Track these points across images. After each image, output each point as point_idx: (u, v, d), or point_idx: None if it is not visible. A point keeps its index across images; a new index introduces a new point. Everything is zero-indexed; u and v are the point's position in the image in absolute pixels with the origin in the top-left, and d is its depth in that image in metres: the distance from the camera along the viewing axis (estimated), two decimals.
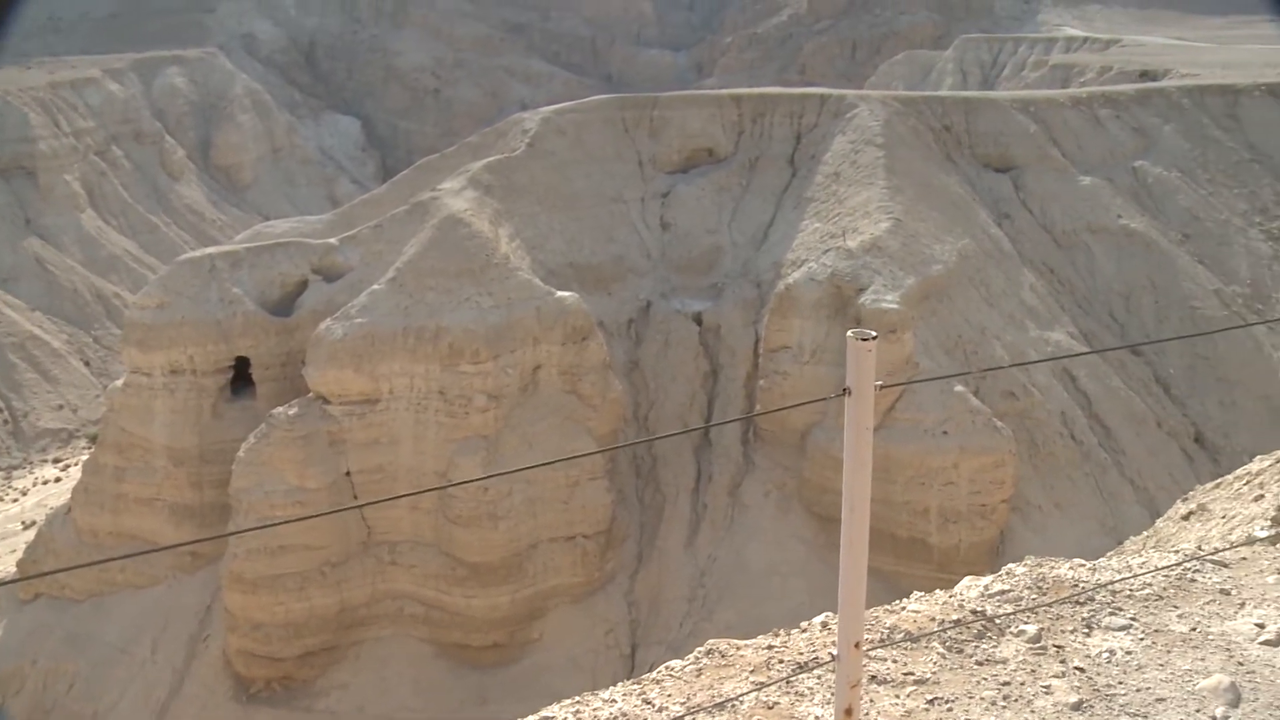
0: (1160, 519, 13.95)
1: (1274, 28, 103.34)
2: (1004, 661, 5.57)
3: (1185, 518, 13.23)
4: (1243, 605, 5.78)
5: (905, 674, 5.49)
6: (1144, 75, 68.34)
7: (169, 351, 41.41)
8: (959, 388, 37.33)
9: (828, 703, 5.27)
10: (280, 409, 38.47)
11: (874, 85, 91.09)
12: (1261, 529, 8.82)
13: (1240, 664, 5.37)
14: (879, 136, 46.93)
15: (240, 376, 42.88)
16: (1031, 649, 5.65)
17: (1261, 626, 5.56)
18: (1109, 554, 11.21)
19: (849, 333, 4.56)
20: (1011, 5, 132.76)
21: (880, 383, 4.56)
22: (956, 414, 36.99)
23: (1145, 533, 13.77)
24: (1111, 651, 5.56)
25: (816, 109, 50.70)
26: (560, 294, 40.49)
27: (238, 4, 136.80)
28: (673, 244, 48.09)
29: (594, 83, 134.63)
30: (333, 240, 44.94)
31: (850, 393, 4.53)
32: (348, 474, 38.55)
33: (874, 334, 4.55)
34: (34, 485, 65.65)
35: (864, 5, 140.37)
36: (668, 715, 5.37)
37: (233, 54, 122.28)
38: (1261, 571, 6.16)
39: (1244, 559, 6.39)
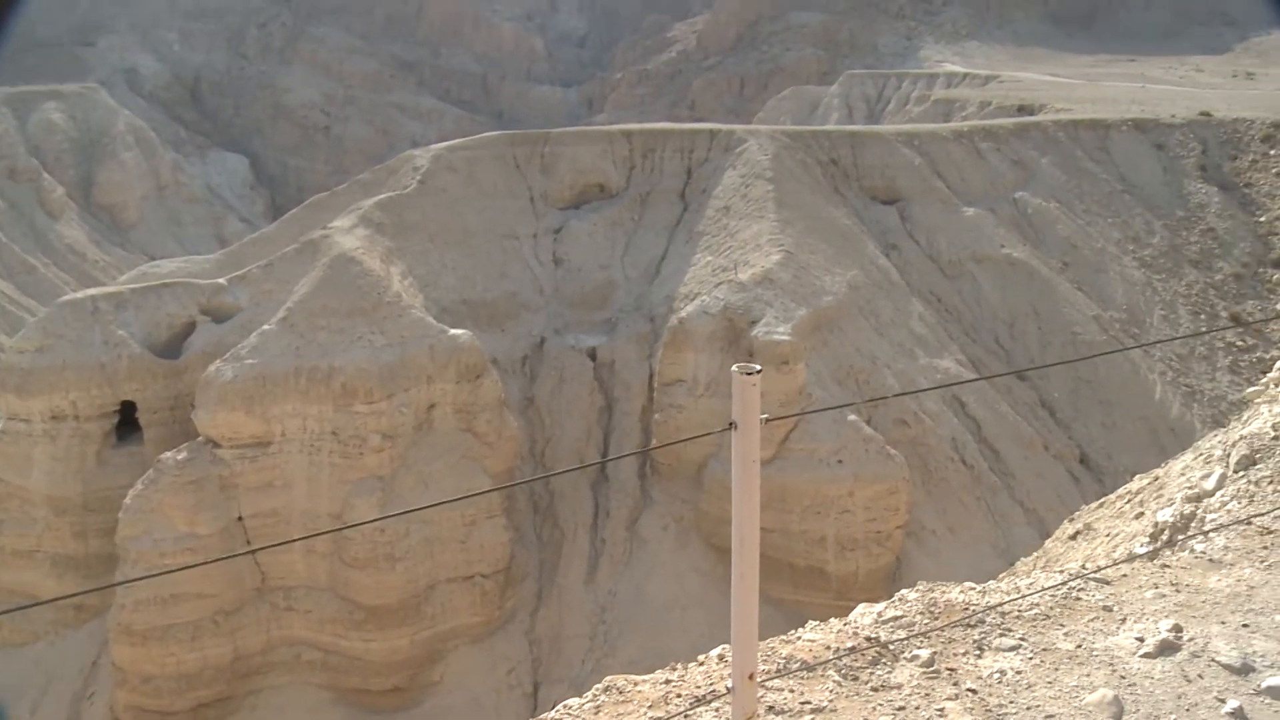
0: (1049, 539, 14.29)
1: (1136, 66, 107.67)
2: (899, 687, 5.62)
3: (1072, 537, 13.56)
4: (1124, 620, 5.93)
5: (802, 703, 5.50)
6: (1021, 110, 70.53)
7: (50, 397, 40.09)
8: (852, 417, 37.86)
9: None
10: (169, 454, 37.41)
11: (762, 120, 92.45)
12: (1141, 545, 9.07)
13: (1123, 678, 5.50)
14: (768, 170, 47.63)
15: (126, 421, 41.66)
16: (925, 673, 5.71)
17: (1142, 640, 5.70)
18: (1000, 576, 11.42)
19: (734, 368, 4.60)
20: (894, 42, 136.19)
21: (766, 416, 4.60)
22: (850, 443, 37.49)
23: (1035, 553, 14.07)
24: (1002, 672, 5.65)
25: (706, 144, 51.33)
26: (454, 332, 40.18)
27: (119, 39, 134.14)
28: (566, 280, 48.13)
29: (485, 119, 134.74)
30: (221, 280, 44.05)
31: (736, 427, 4.56)
32: (240, 519, 37.61)
33: (758, 369, 4.58)
34: None
35: (752, 42, 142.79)
36: None
37: (114, 90, 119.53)
38: (1141, 587, 6.32)
39: (1125, 576, 6.56)
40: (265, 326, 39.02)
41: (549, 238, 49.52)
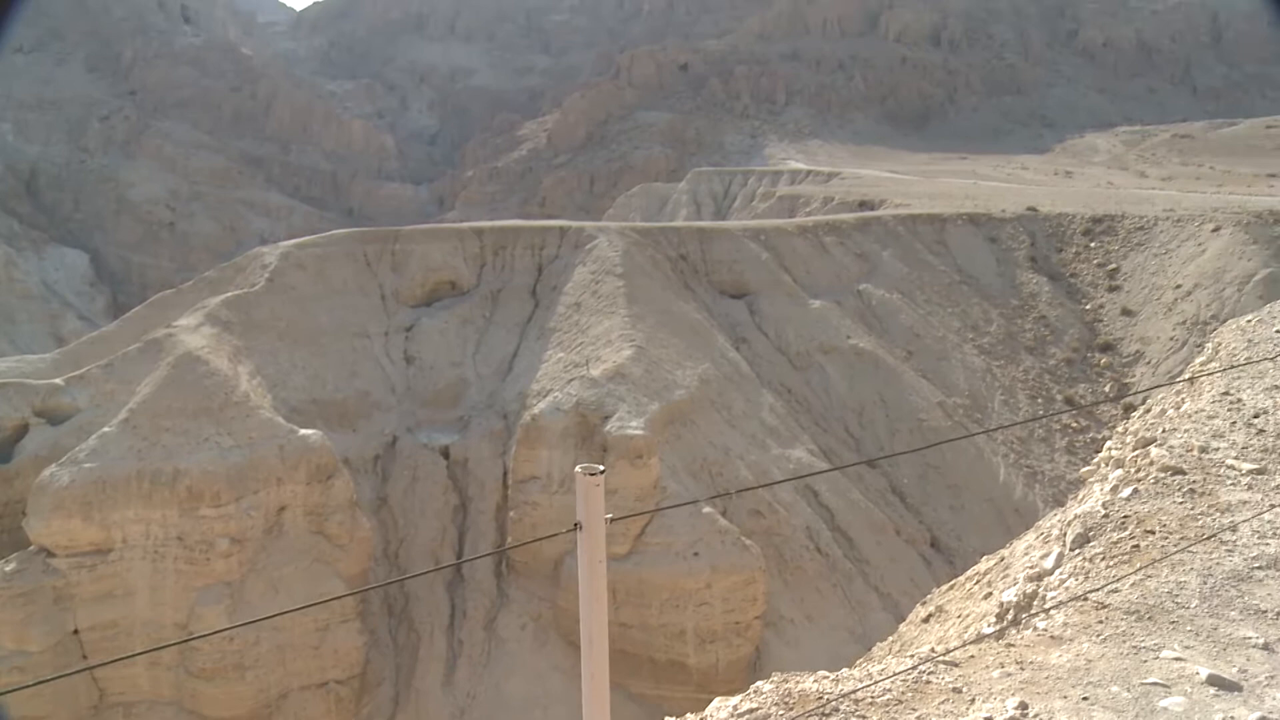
0: (903, 623, 14.48)
1: (967, 164, 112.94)
2: None
3: (925, 620, 13.77)
4: (973, 701, 6.00)
5: None
6: (863, 205, 73.10)
7: None
8: (707, 509, 38.02)
9: None
10: None
11: (612, 217, 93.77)
12: (989, 626, 9.25)
13: None
14: (618, 266, 48.17)
15: None
16: None
17: (990, 719, 5.78)
18: (855, 662, 11.49)
19: (577, 469, 4.62)
20: (740, 140, 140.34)
21: (611, 516, 4.61)
22: (706, 535, 37.61)
23: (890, 638, 14.24)
24: None
25: (557, 240, 51.74)
26: (304, 432, 39.23)
27: None
28: (417, 378, 47.59)
29: (335, 216, 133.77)
30: (58, 380, 42.22)
31: (581, 527, 4.56)
32: (75, 632, 35.63)
33: (601, 469, 4.62)
34: None
35: (601, 140, 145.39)
36: None
37: None
38: (988, 667, 6.42)
39: (973, 657, 6.65)
40: (105, 428, 37.45)
41: (400, 336, 49.00)
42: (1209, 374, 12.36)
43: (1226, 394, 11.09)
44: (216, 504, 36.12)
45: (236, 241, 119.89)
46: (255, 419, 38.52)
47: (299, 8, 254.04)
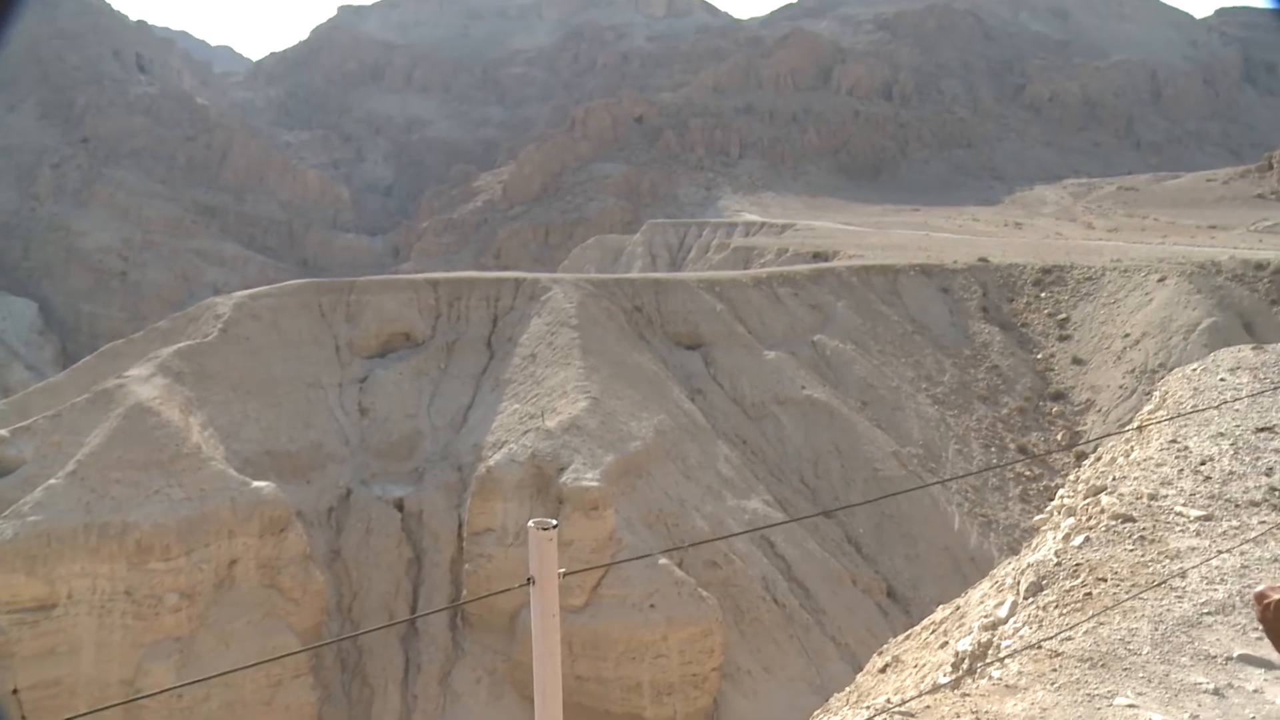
0: (860, 674, 14.45)
1: (920, 216, 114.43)
2: None
3: (882, 670, 13.74)
4: None
5: None
6: (817, 257, 73.76)
7: None
8: (663, 560, 37.88)
9: None
10: None
11: (567, 268, 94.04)
12: (945, 675, 9.25)
13: None
14: (574, 318, 48.22)
15: None
16: None
17: None
18: (813, 714, 11.44)
19: (530, 523, 4.61)
20: (694, 192, 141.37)
21: (564, 570, 4.61)
22: (662, 587, 37.43)
23: (848, 688, 14.18)
24: None
25: (512, 292, 51.74)
26: (256, 484, 38.76)
27: None
28: (372, 429, 47.24)
29: (290, 267, 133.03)
30: (3, 432, 41.48)
31: (534, 582, 4.55)
32: (15, 691, 34.70)
33: (554, 523, 4.62)
34: None
35: (556, 192, 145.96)
36: None
37: None
38: (944, 717, 6.42)
39: (928, 707, 6.65)
40: (52, 480, 36.80)
41: (354, 387, 48.68)
42: (1157, 422, 12.53)
43: (1174, 442, 11.24)
44: (166, 557, 35.54)
45: (189, 291, 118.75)
46: (207, 471, 38.05)
47: (255, 57, 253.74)
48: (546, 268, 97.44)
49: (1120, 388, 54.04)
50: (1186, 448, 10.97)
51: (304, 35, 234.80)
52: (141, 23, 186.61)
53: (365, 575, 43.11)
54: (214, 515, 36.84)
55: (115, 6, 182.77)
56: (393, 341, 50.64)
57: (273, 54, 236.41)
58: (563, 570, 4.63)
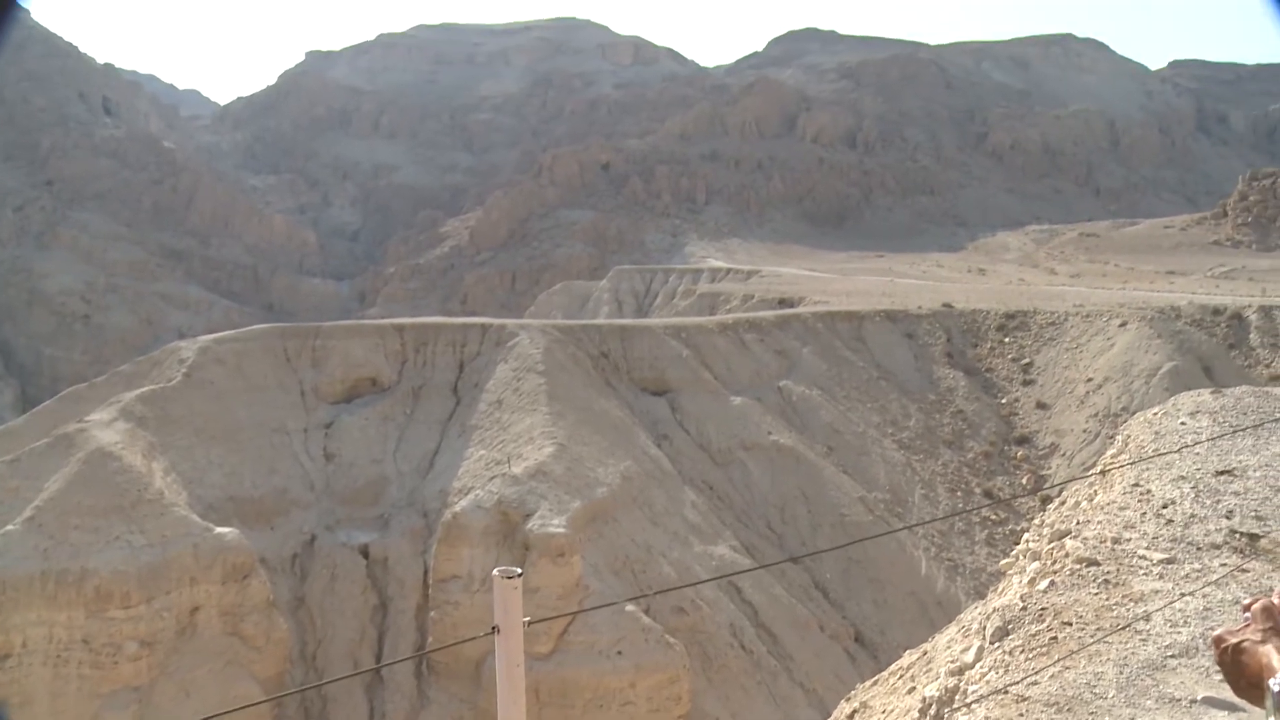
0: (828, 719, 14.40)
1: (884, 262, 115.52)
2: None
3: (850, 717, 13.71)
4: None
5: None
6: (782, 303, 74.16)
7: None
8: (630, 607, 37.67)
9: None
10: None
11: (534, 314, 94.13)
12: None
13: None
14: (540, 364, 48.19)
15: None
16: None
17: None
18: None
19: (495, 572, 4.61)
20: (661, 239, 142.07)
21: (529, 619, 4.60)
22: (629, 633, 37.21)
23: None
24: None
25: (479, 338, 51.68)
26: (219, 530, 38.32)
27: None
28: (337, 475, 46.88)
29: (255, 311, 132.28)
30: None
31: (499, 631, 4.54)
32: None
33: (519, 572, 4.62)
34: None
35: (523, 238, 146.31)
36: None
37: None
38: None
39: None
40: (9, 527, 36.18)
41: (320, 432, 48.35)
42: (1119, 467, 12.65)
43: (1137, 485, 11.34)
44: (126, 605, 35.01)
45: (154, 335, 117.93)
46: (169, 517, 37.59)
47: (223, 101, 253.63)
48: (513, 314, 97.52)
49: (1084, 431, 54.51)
50: (1149, 491, 11.08)
51: (272, 80, 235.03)
52: (109, 65, 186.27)
53: (330, 622, 42.63)
54: (176, 562, 36.35)
55: (83, 49, 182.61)
56: (359, 387, 50.39)
57: (240, 98, 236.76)
58: (528, 619, 4.62)
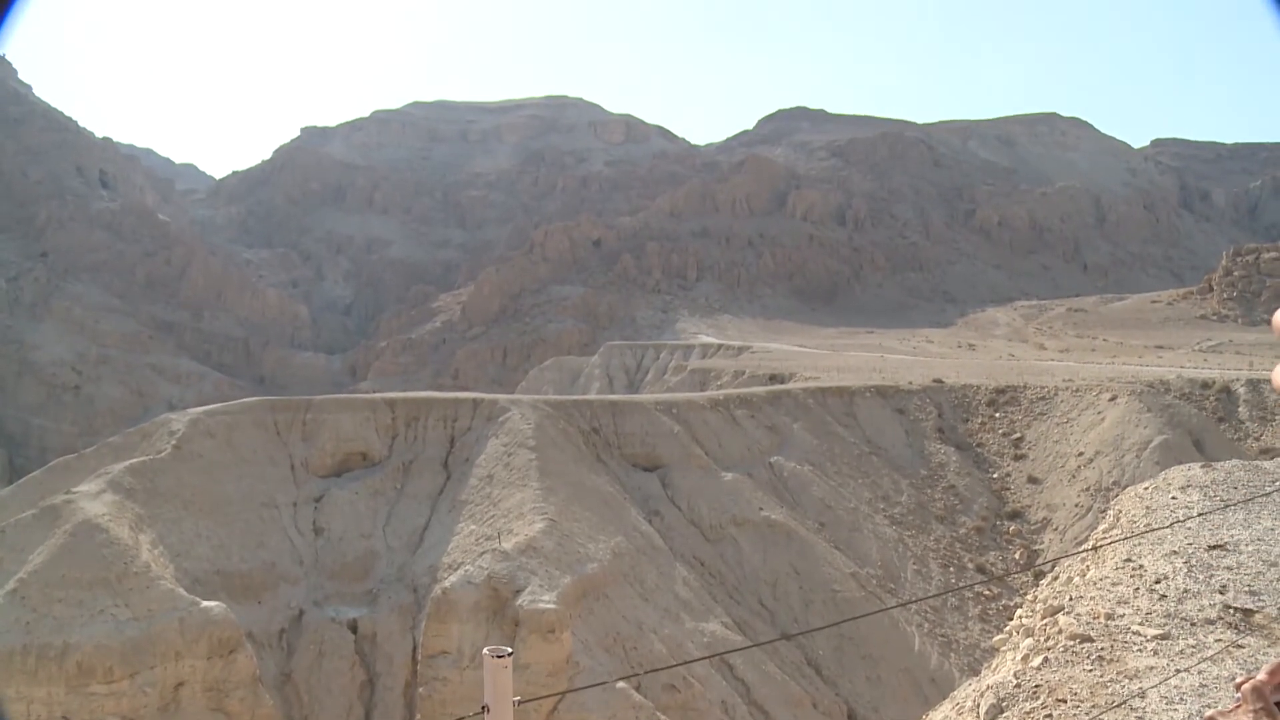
0: None
1: (874, 338, 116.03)
2: None
3: None
4: None
5: None
6: (773, 379, 74.31)
7: None
8: (621, 684, 37.26)
9: None
10: None
11: (525, 389, 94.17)
12: None
13: None
14: (531, 439, 48.13)
15: None
16: None
17: None
18: None
19: (485, 651, 4.62)
20: (652, 315, 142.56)
21: (519, 699, 4.59)
22: (620, 711, 36.74)
23: None
24: None
25: (470, 412, 51.62)
26: (206, 604, 37.88)
27: None
28: (326, 549, 46.54)
29: (246, 384, 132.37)
30: None
31: (489, 710, 4.53)
32: None
33: (509, 651, 4.64)
34: None
35: (514, 314, 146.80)
36: None
37: None
38: None
39: None
40: None
41: (309, 506, 48.08)
42: (1112, 542, 12.64)
43: (1129, 560, 11.33)
44: (109, 680, 34.48)
45: (144, 407, 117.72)
46: (155, 590, 37.19)
47: (219, 175, 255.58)
48: (504, 389, 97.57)
49: (1076, 505, 54.42)
50: (1141, 566, 11.06)
51: (267, 154, 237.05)
52: (107, 139, 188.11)
53: (317, 699, 42.05)
54: (161, 636, 35.90)
55: (82, 124, 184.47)
56: (349, 461, 50.21)
57: (236, 172, 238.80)
58: (518, 698, 4.60)
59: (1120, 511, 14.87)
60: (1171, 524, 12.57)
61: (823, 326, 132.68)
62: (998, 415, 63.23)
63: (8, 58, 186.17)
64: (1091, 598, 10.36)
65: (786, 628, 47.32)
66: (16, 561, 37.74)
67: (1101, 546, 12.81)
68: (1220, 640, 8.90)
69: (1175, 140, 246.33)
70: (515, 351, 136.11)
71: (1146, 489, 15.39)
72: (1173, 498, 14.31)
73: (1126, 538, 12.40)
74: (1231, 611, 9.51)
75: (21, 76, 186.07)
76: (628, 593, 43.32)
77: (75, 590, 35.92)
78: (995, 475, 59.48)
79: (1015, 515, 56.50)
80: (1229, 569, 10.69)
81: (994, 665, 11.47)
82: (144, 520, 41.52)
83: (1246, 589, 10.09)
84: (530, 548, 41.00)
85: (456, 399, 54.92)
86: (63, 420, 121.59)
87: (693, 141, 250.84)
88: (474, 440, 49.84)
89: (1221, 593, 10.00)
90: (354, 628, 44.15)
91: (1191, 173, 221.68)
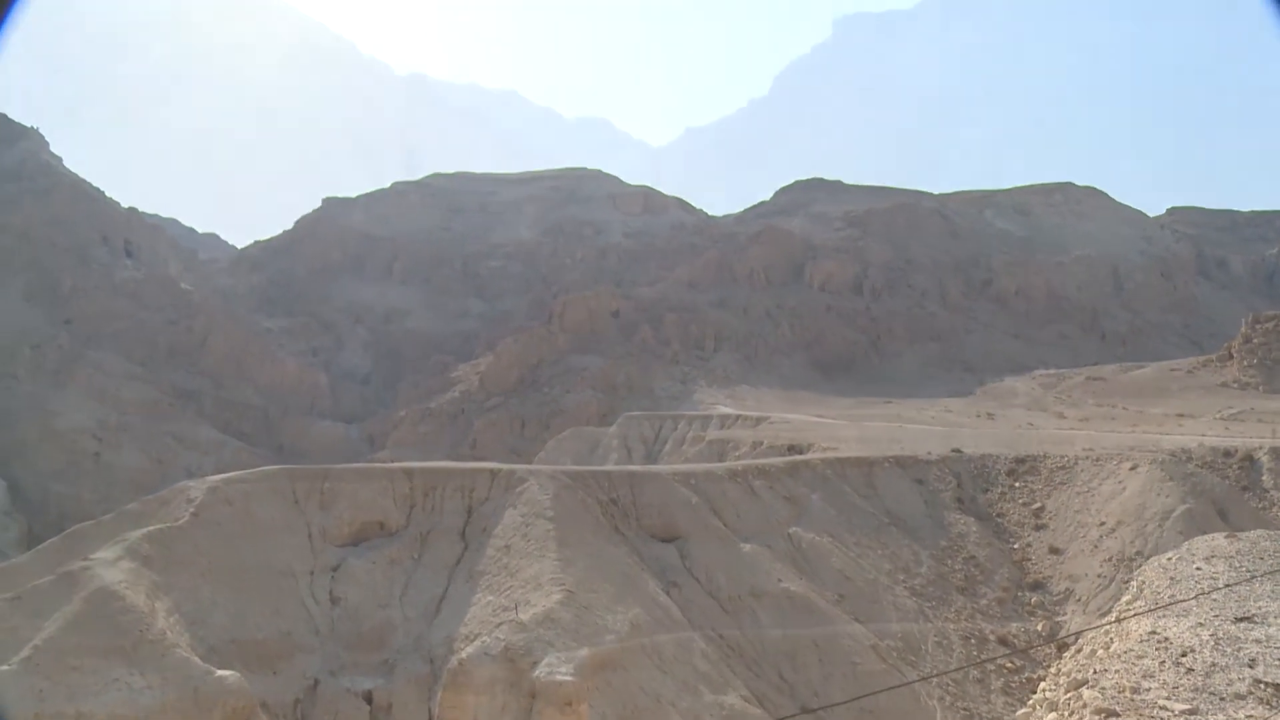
0: None
1: (893, 408, 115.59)
2: None
3: None
4: None
5: None
6: (791, 449, 74.07)
7: None
8: None
9: None
10: None
11: (543, 460, 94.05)
12: None
13: None
14: (549, 510, 48.00)
15: None
16: None
17: None
18: None
19: None
20: (670, 385, 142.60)
21: None
22: None
23: None
24: None
25: (488, 483, 51.54)
26: (221, 673, 37.66)
27: None
28: (342, 619, 46.27)
29: (265, 452, 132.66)
30: None
31: None
32: None
33: None
34: None
35: (533, 384, 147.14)
36: None
37: None
38: None
39: None
40: (3, 668, 35.60)
41: (326, 575, 47.89)
42: (1136, 614, 12.49)
43: (1154, 633, 11.17)
44: None
45: (163, 475, 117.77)
46: (170, 659, 37.00)
47: (241, 244, 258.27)
48: (522, 459, 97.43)
49: (1099, 576, 53.82)
50: (1167, 639, 10.91)
51: (289, 224, 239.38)
52: (132, 209, 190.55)
53: None
54: (174, 705, 35.64)
55: (109, 194, 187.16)
56: (366, 530, 50.10)
57: (257, 242, 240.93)
58: None
59: (1144, 582, 14.72)
60: (1196, 595, 12.43)
61: (841, 396, 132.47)
62: (1018, 485, 62.81)
63: (40, 129, 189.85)
64: (1116, 671, 10.22)
65: (806, 701, 46.68)
66: (32, 628, 37.62)
67: (1125, 618, 12.67)
68: (1252, 716, 8.75)
69: (1190, 208, 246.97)
70: (533, 422, 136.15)
71: (1170, 559, 15.25)
72: (1197, 568, 14.17)
73: (1151, 610, 12.25)
74: (1263, 686, 9.36)
75: (53, 149, 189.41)
76: (645, 665, 42.90)
77: (90, 658, 35.77)
78: (1016, 545, 58.94)
79: (1037, 586, 55.88)
80: (1258, 642, 10.53)
81: None
82: (160, 588, 41.43)
83: (1277, 663, 9.94)
84: (548, 619, 40.73)
85: (474, 469, 54.90)
86: (82, 487, 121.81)
87: (710, 213, 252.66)
88: (492, 510, 49.74)
89: (1251, 666, 9.84)
90: (369, 698, 43.78)
91: (1207, 240, 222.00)
